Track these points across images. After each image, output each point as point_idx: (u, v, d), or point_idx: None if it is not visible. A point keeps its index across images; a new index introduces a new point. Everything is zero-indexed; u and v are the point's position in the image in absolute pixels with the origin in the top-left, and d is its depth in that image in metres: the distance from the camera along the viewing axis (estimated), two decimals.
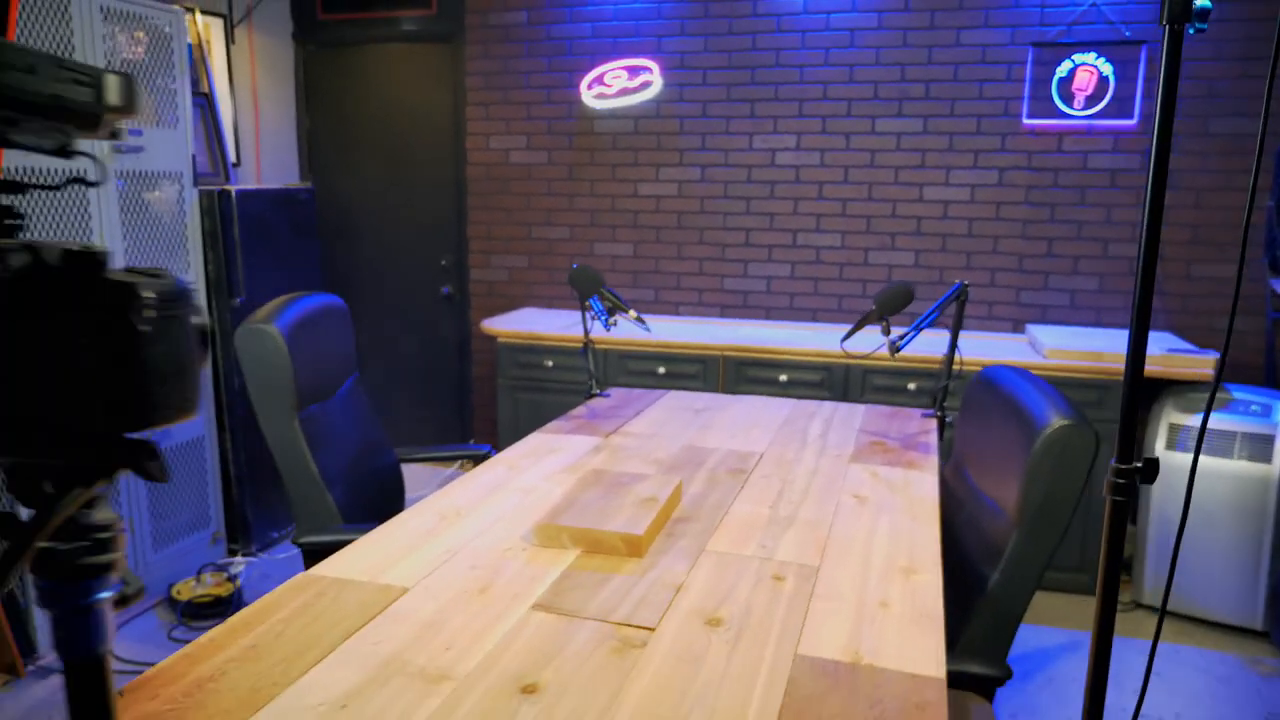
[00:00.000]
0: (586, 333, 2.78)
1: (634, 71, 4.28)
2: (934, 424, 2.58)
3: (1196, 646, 3.04)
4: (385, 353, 4.87)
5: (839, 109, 4.11)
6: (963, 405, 2.15)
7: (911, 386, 3.49)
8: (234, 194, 3.46)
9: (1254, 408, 3.15)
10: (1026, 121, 3.90)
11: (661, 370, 3.72)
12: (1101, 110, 3.79)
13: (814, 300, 4.27)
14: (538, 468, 2.11)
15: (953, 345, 2.59)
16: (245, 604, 3.18)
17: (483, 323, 4.10)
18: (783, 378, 3.60)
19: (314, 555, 2.00)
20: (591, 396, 2.84)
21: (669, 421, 2.56)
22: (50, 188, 0.53)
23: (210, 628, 2.91)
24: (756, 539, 1.70)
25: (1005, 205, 3.98)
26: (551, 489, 1.96)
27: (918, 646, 1.32)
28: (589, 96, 4.34)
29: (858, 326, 2.41)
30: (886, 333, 2.42)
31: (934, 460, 2.24)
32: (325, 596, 1.43)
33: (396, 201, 4.77)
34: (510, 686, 1.19)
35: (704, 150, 4.28)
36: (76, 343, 0.46)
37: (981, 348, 3.56)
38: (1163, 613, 1.39)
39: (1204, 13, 1.08)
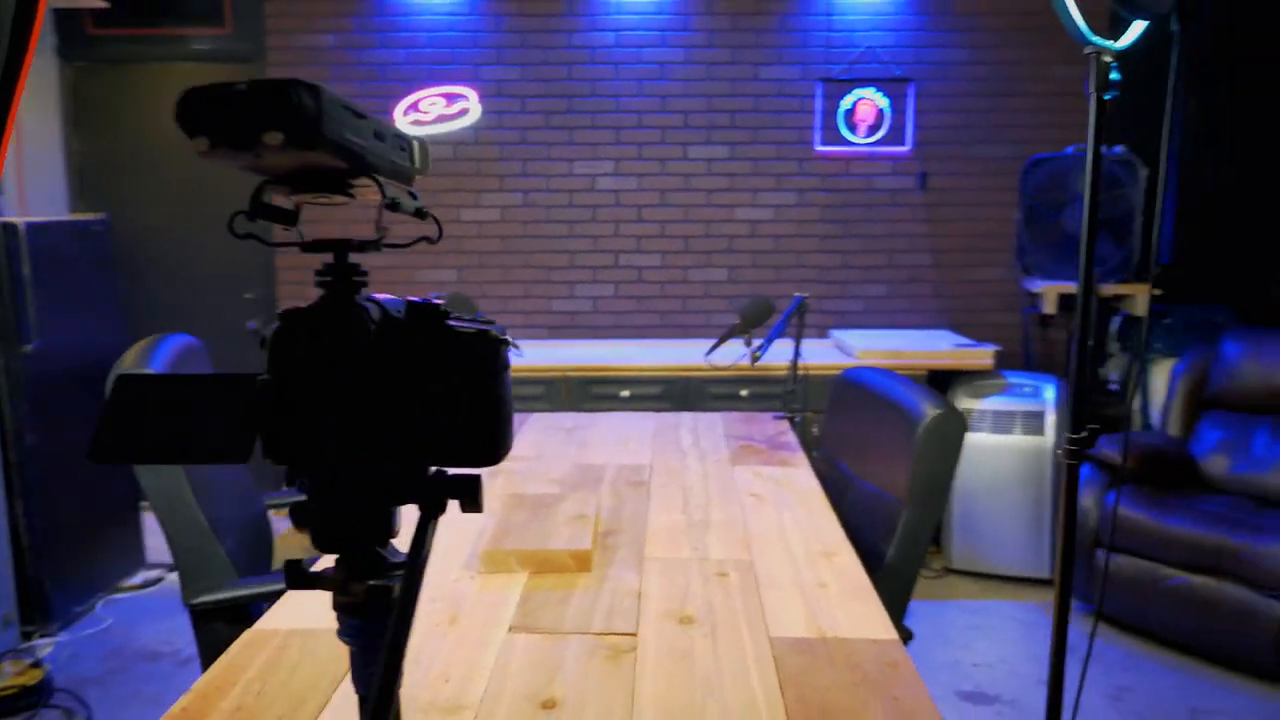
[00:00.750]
0: None
1: (451, 99, 4.29)
2: (787, 425, 2.82)
3: (1003, 600, 3.49)
4: None
5: (653, 136, 4.33)
6: (830, 405, 2.38)
7: (744, 393, 3.75)
8: (21, 227, 3.13)
9: (1026, 389, 3.67)
10: (819, 148, 4.30)
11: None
12: (881, 138, 4.26)
13: (639, 318, 4.46)
14: None
15: (796, 353, 2.84)
16: (59, 689, 2.87)
17: None
18: (625, 393, 3.75)
19: (208, 616, 1.90)
20: None
21: (546, 442, 2.62)
22: (401, 246, 0.55)
23: None
24: (686, 543, 1.82)
25: (805, 223, 4.36)
26: (468, 519, 1.96)
27: (866, 616, 1.49)
28: (405, 123, 4.29)
29: (724, 339, 2.60)
30: (749, 344, 2.62)
31: (802, 457, 2.45)
32: (290, 648, 1.39)
33: (196, 232, 4.47)
34: (529, 705, 1.23)
35: (525, 176, 4.36)
36: (445, 388, 0.50)
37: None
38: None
39: (1117, 84, 1.33)
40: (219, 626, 1.89)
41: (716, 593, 1.58)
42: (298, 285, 4.44)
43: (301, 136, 0.45)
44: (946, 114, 4.25)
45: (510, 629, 1.45)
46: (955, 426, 1.88)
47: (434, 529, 0.53)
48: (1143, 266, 3.72)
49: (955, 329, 4.35)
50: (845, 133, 4.26)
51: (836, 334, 4.22)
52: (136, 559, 3.78)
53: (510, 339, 1.92)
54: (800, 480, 2.24)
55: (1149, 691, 2.81)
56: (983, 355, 3.74)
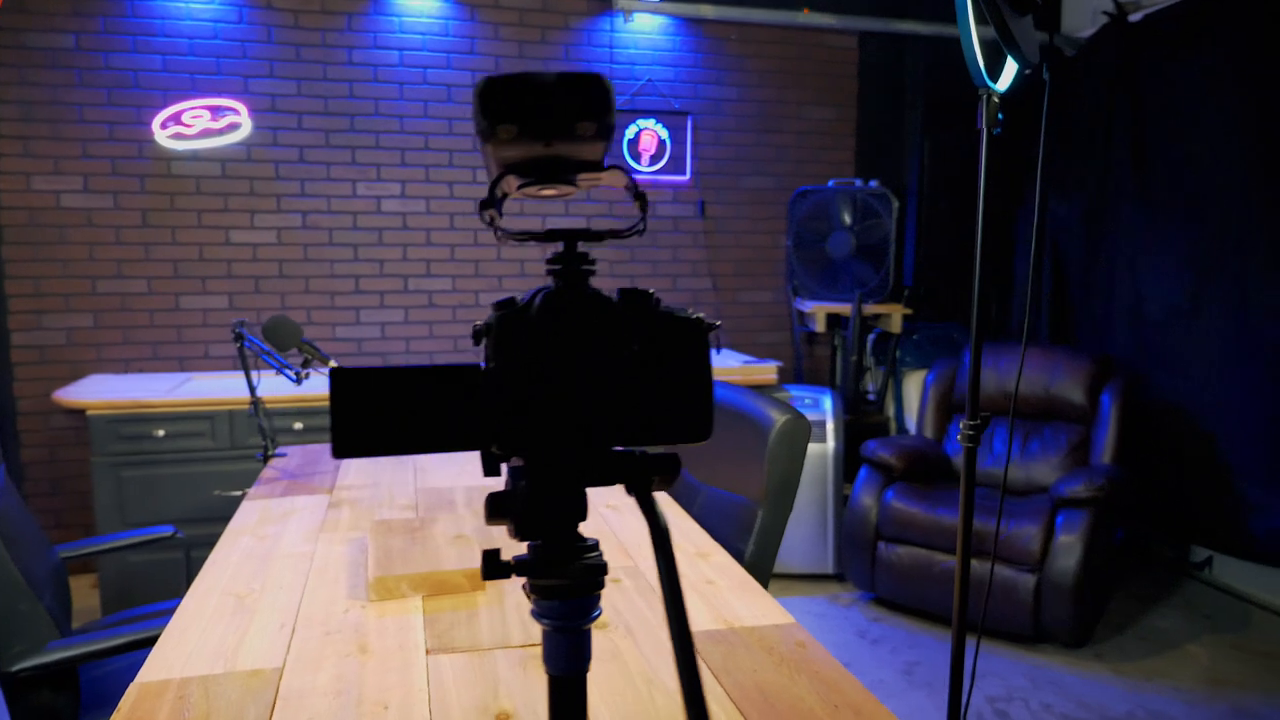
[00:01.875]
0: (253, 390, 2.61)
1: (218, 112, 4.00)
2: None
3: (795, 596, 3.78)
4: None
5: (441, 159, 4.29)
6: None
7: None
8: None
9: (807, 401, 4.01)
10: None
11: (299, 425, 3.54)
12: (663, 167, 4.50)
13: (430, 344, 4.37)
14: (288, 534, 1.98)
15: None
16: None
17: (57, 394, 3.49)
18: None
19: (30, 685, 1.67)
20: (269, 457, 2.66)
21: (377, 470, 2.53)
22: (624, 234, 0.55)
23: None
24: None
25: (595, 248, 4.50)
26: (330, 549, 1.87)
27: (760, 605, 1.60)
28: (164, 136, 3.94)
29: None
30: None
31: None
32: (194, 697, 1.27)
33: None
34: (483, 719, 1.21)
35: (304, 196, 4.15)
36: (664, 369, 0.52)
37: None
38: None
39: (1001, 121, 1.54)
40: (43, 694, 1.66)
41: (618, 598, 1.63)
42: (33, 314, 3.92)
43: (608, 128, 0.47)
44: (721, 146, 4.57)
45: (428, 651, 1.41)
46: (802, 430, 2.05)
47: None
48: (896, 288, 4.21)
49: (734, 348, 4.66)
50: (630, 161, 4.46)
51: None
52: None
53: (339, 366, 1.87)
54: None
55: (933, 664, 3.18)
56: (768, 371, 4.04)
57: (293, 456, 2.69)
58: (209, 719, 1.21)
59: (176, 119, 3.96)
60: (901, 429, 4.44)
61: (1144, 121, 3.96)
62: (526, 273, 4.42)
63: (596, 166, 0.51)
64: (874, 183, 4.13)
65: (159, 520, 3.39)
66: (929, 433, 3.97)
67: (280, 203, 4.13)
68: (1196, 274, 3.72)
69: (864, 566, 3.59)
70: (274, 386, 3.56)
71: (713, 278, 4.64)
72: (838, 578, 3.96)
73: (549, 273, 0.54)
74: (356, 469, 2.53)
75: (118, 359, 4.01)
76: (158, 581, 3.43)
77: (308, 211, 4.16)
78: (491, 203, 0.53)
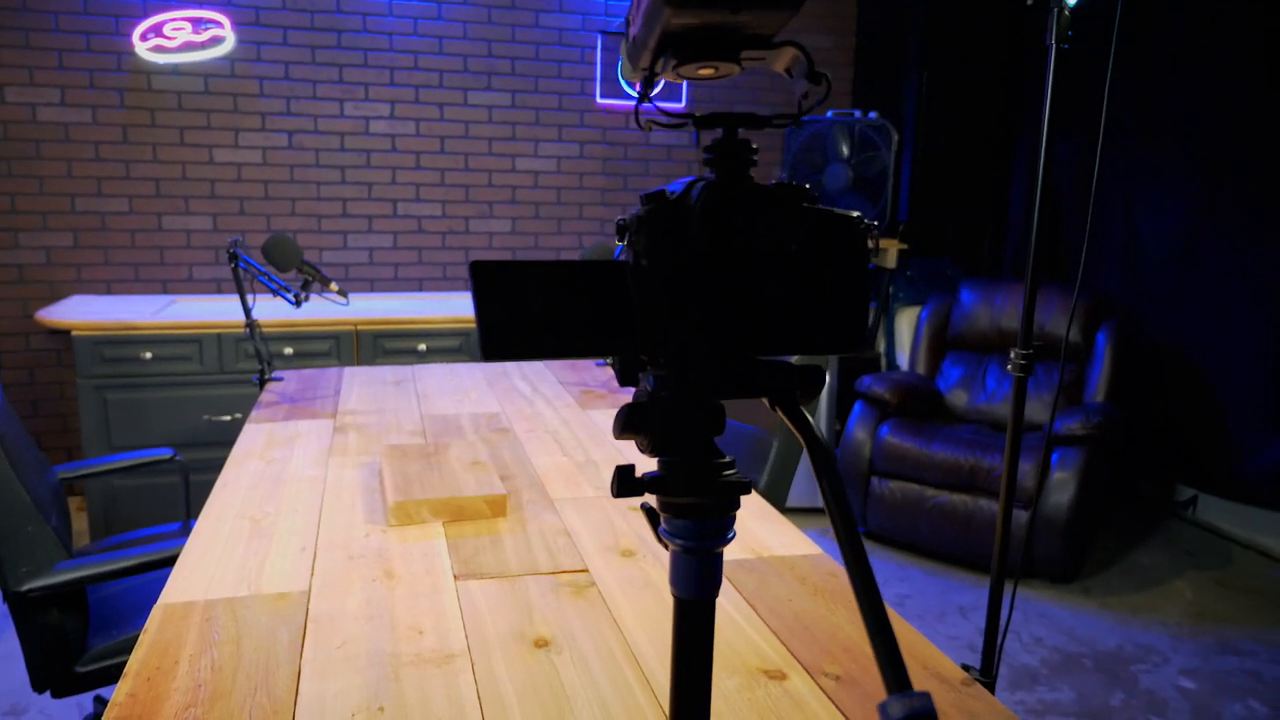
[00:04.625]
0: (249, 312, 2.54)
1: (199, 24, 3.83)
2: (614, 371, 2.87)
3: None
4: None
5: (431, 79, 4.15)
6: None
7: None
8: None
9: None
10: (600, 101, 4.35)
11: (289, 350, 3.47)
12: (658, 94, 4.38)
13: (419, 270, 4.29)
14: (295, 458, 1.94)
15: None
16: None
17: (40, 314, 3.39)
18: (422, 346, 3.61)
19: (39, 605, 1.63)
20: (266, 381, 2.60)
21: (379, 396, 2.48)
22: (791, 119, 0.50)
23: None
24: (584, 483, 1.82)
25: (587, 175, 4.41)
26: (342, 474, 1.83)
27: (786, 535, 1.59)
28: (144, 49, 3.77)
29: None
30: None
31: None
32: (221, 619, 1.24)
33: None
34: (521, 645, 1.19)
35: (289, 115, 4.01)
36: (820, 272, 0.48)
37: None
38: None
39: (1070, 37, 1.48)
40: (52, 615, 1.62)
41: (639, 526, 1.61)
42: (9, 233, 3.78)
43: None
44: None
45: (456, 577, 1.39)
46: (819, 359, 2.03)
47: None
48: (892, 223, 4.17)
49: None
50: (625, 86, 4.34)
51: None
52: None
53: (340, 288, 1.83)
54: None
55: (923, 596, 3.23)
56: None
57: (289, 380, 2.63)
58: (239, 641, 1.18)
59: (157, 30, 3.78)
60: (893, 365, 4.45)
61: (1147, 56, 3.91)
62: (518, 199, 4.33)
63: (767, 43, 0.46)
64: (873, 114, 4.06)
65: (146, 444, 3.33)
66: (922, 369, 3.97)
67: (265, 121, 3.98)
68: (1195, 213, 3.71)
69: (856, 501, 3.61)
70: (264, 310, 3.47)
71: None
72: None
73: (705, 162, 0.50)
74: (358, 394, 2.48)
75: (99, 280, 3.89)
76: (146, 506, 3.38)
77: (294, 131, 4.02)
78: (650, 84, 0.48)
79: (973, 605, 3.14)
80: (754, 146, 0.49)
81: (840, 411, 4.03)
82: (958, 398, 3.82)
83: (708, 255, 0.47)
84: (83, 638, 1.72)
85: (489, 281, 0.45)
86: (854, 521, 0.46)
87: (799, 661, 1.18)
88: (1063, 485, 3.15)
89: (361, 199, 4.15)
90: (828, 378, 3.76)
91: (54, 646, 1.66)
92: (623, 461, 1.90)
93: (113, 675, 1.74)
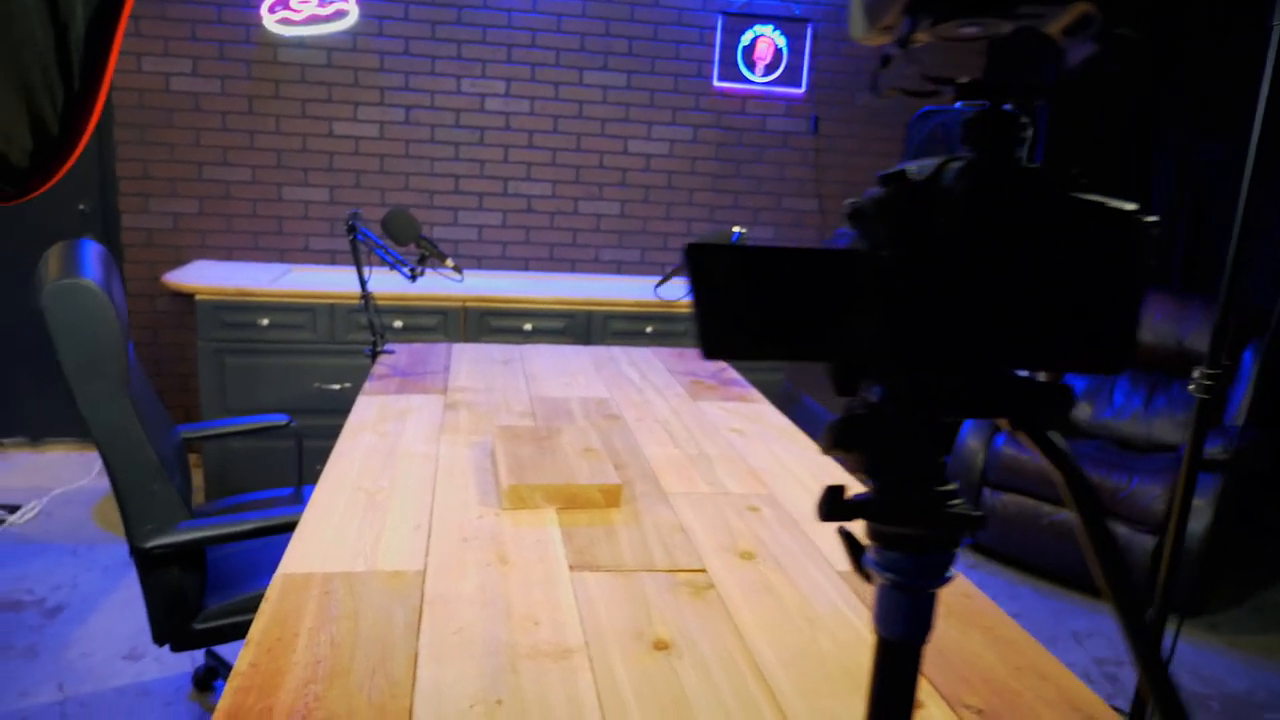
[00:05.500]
0: (364, 284, 2.56)
1: None
2: (724, 362, 2.80)
3: None
4: (5, 318, 3.92)
5: (548, 57, 4.13)
6: (842, 443, 2.37)
7: (649, 330, 3.70)
8: None
9: None
10: (717, 84, 4.26)
11: (399, 324, 3.51)
12: (777, 78, 4.28)
13: (525, 249, 4.29)
14: (408, 433, 1.93)
15: None
16: None
17: (167, 276, 3.50)
18: (528, 326, 3.60)
19: (161, 561, 1.66)
20: (378, 354, 2.62)
21: (489, 374, 2.47)
22: (1063, 92, 0.44)
23: None
24: (697, 478, 1.76)
25: (699, 160, 4.33)
26: (454, 452, 1.82)
27: None
28: (271, 21, 3.85)
29: (675, 272, 2.53)
30: None
31: (759, 394, 2.45)
32: (339, 593, 1.22)
33: None
34: (640, 645, 1.14)
35: (408, 90, 4.04)
36: (1088, 275, 0.41)
37: None
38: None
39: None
40: (173, 572, 1.65)
41: (758, 528, 1.54)
42: (140, 197, 3.92)
43: None
44: (839, 58, 4.32)
45: (571, 567, 1.35)
46: None
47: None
48: None
49: None
50: (744, 70, 4.24)
51: None
52: None
53: (455, 264, 1.79)
54: (770, 416, 2.23)
55: (1034, 617, 3.07)
56: None
57: (400, 354, 2.64)
58: (357, 617, 1.17)
59: (284, 3, 3.86)
60: None
61: None
62: (628, 182, 4.28)
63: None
64: (1007, 105, 3.85)
65: (259, 408, 3.41)
66: (1043, 378, 3.77)
67: (384, 95, 4.03)
68: None
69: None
70: (377, 283, 3.52)
71: (819, 199, 4.44)
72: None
73: (964, 139, 0.43)
74: (467, 371, 2.48)
75: (221, 246, 4.01)
76: (258, 468, 3.47)
77: (411, 106, 4.06)
78: (906, 44, 0.41)
79: (1088, 631, 2.97)
80: (1025, 122, 0.42)
81: None
82: (1080, 411, 3.61)
83: (963, 248, 0.40)
84: (200, 596, 1.76)
85: (708, 269, 0.39)
86: (1126, 570, 0.38)
87: (937, 690, 1.10)
88: (1197, 513, 2.94)
89: (474, 176, 4.17)
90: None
91: (174, 603, 1.69)
92: (739, 461, 1.84)
93: (225, 634, 1.77)
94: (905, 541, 0.46)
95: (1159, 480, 3.05)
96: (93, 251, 1.72)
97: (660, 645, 1.15)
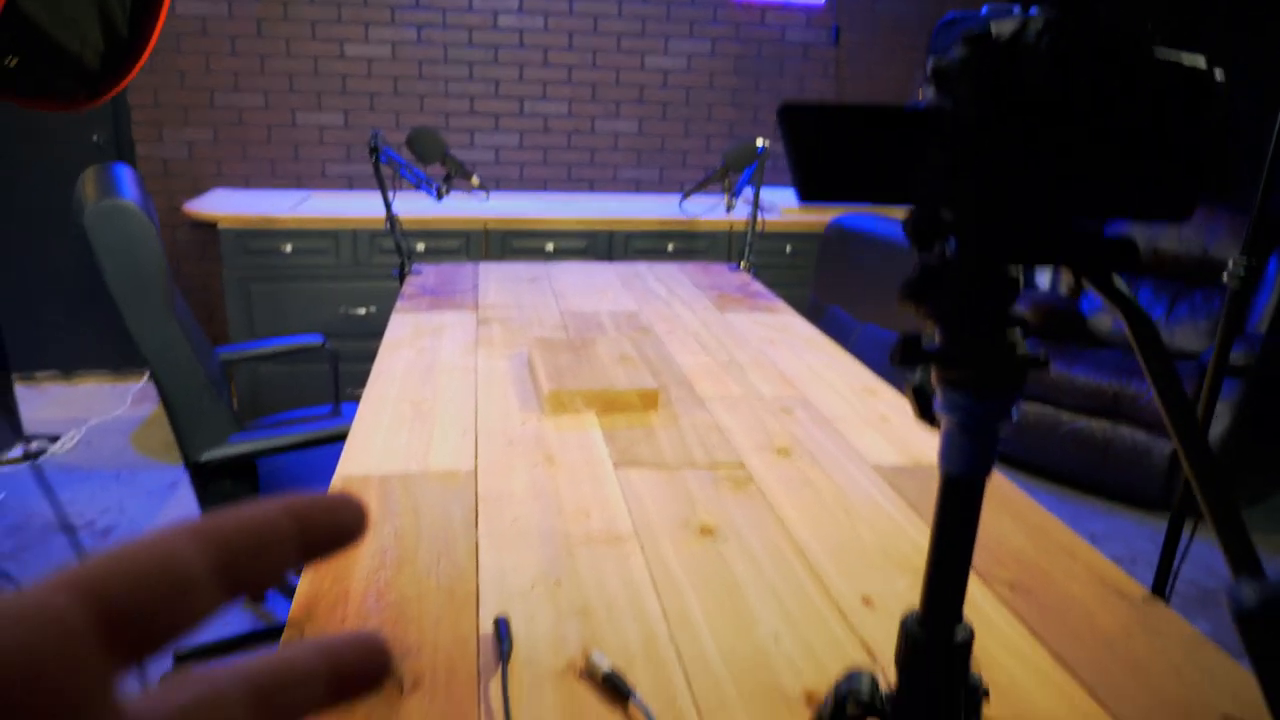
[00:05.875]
0: (389, 206, 2.58)
1: None
2: (750, 276, 2.82)
3: None
4: (30, 251, 3.96)
5: None
6: (822, 254, 2.39)
7: (670, 247, 3.71)
8: None
9: None
10: None
11: (421, 247, 3.53)
12: None
13: (543, 170, 4.27)
14: (444, 349, 1.97)
15: (756, 204, 2.83)
16: None
17: (188, 205, 3.52)
18: (549, 247, 3.62)
19: (214, 473, 1.72)
20: (405, 275, 2.65)
21: (517, 291, 2.50)
22: None
23: None
24: (731, 381, 1.81)
25: (718, 75, 4.27)
26: (491, 364, 1.86)
27: None
28: None
29: (705, 184, 2.53)
30: (728, 190, 2.57)
31: (785, 306, 2.47)
32: (396, 492, 1.28)
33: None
34: (687, 532, 1.20)
35: (419, 8, 3.99)
36: (1159, 125, 0.44)
37: (718, 209, 3.86)
38: None
39: None
40: (225, 484, 1.72)
41: (793, 428, 1.59)
42: (153, 126, 3.92)
43: None
44: None
45: (615, 465, 1.40)
46: None
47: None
48: None
49: None
50: None
51: (749, 191, 4.22)
52: (11, 432, 3.36)
53: (480, 182, 1.81)
54: (798, 327, 2.26)
55: None
56: (896, 215, 3.86)
57: (428, 274, 2.68)
58: (416, 512, 1.22)
59: None
60: (1029, 284, 4.25)
61: None
62: (645, 99, 4.24)
63: None
64: (1034, 9, 3.77)
65: (287, 334, 3.47)
66: (1064, 289, 3.78)
67: (394, 15, 3.98)
68: None
69: None
70: (399, 206, 3.53)
71: None
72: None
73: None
74: (495, 288, 2.51)
75: (238, 174, 4.02)
76: (289, 392, 3.54)
77: (422, 25, 4.01)
78: None
79: (1105, 534, 3.04)
80: None
81: None
82: (1102, 321, 3.63)
83: (1045, 105, 0.42)
84: None
85: (801, 124, 0.42)
86: (1187, 400, 0.42)
87: (972, 567, 1.15)
88: (1217, 417, 2.98)
89: (489, 96, 4.14)
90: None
91: None
92: (770, 368, 1.88)
93: None
94: (971, 382, 0.50)
95: None
96: (127, 174, 1.75)
97: (706, 531, 1.20)
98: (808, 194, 0.42)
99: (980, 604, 1.08)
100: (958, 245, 0.47)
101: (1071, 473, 3.31)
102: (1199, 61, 0.44)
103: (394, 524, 1.19)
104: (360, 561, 1.10)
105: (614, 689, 0.90)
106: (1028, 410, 3.37)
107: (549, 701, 0.88)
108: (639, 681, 0.90)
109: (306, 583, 1.05)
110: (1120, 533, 3.06)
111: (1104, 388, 3.16)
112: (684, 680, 0.91)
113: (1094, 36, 0.42)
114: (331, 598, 1.03)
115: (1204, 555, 2.93)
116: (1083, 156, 0.44)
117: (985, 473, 0.52)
